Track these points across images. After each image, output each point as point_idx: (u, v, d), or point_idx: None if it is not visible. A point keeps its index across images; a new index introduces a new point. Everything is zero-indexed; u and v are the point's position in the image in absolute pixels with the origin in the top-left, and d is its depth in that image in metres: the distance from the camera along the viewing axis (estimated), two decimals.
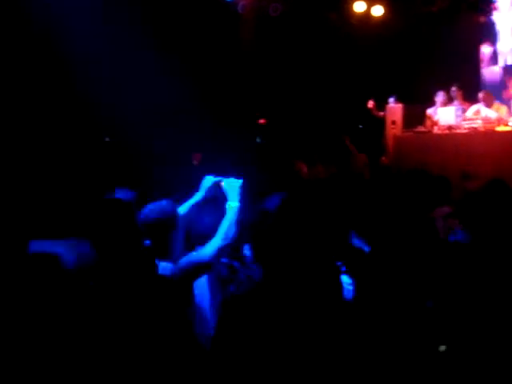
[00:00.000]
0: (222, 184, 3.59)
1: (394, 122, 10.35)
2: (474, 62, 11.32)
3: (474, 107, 9.14)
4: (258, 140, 12.77)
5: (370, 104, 11.10)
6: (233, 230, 3.30)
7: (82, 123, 10.14)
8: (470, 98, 9.71)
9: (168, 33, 11.20)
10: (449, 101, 9.85)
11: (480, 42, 11.34)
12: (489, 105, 9.09)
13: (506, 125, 8.53)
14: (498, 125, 8.59)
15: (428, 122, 9.90)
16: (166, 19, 11.11)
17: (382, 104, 10.84)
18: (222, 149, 10.45)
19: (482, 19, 11.28)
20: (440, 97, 9.87)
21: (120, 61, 10.35)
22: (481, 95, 9.26)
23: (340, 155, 9.82)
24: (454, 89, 9.75)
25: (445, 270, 3.26)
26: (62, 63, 9.84)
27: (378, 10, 12.23)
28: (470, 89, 10.13)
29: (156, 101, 10.76)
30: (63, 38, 9.52)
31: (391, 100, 10.68)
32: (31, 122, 9.50)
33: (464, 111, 9.19)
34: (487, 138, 8.42)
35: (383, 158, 10.01)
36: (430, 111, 9.99)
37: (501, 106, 9.09)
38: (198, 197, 3.95)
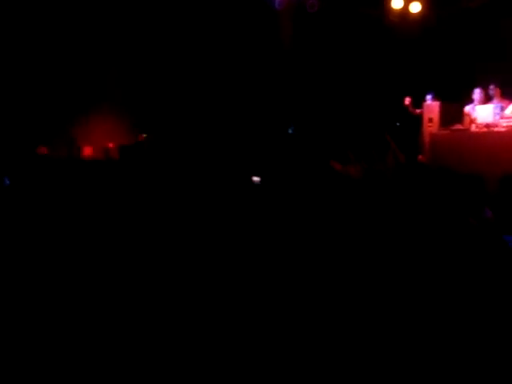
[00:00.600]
0: None
1: (430, 120, 10.29)
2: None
3: None
4: (290, 131, 12.84)
5: (407, 101, 11.05)
6: None
7: None
8: (509, 95, 9.61)
9: (207, 32, 11.37)
10: (487, 99, 9.77)
11: None
12: None
13: None
14: None
15: (466, 120, 9.84)
16: (204, 19, 11.26)
17: (419, 101, 10.78)
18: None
19: None
20: (477, 94, 9.80)
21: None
22: None
23: (375, 153, 9.81)
24: (492, 87, 9.67)
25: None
26: None
27: (415, 7, 12.18)
28: (510, 86, 10.03)
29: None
30: None
31: (428, 97, 10.61)
32: None
33: (503, 109, 9.10)
34: None
35: (420, 156, 9.97)
36: (467, 109, 9.92)
37: None
38: None
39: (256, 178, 7.96)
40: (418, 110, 10.86)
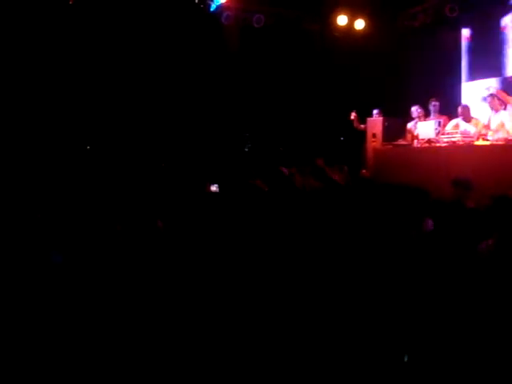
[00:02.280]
0: None
1: (374, 135, 10.42)
2: (454, 75, 11.46)
3: (454, 121, 9.24)
4: (246, 148, 12.86)
5: (352, 116, 11.17)
6: None
7: None
8: (448, 111, 9.82)
9: (153, 45, 11.28)
10: (426, 115, 9.96)
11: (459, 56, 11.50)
12: (467, 119, 9.20)
13: (485, 139, 8.64)
14: (477, 139, 8.69)
15: (408, 136, 10.01)
16: (148, 34, 11.18)
17: (365, 117, 10.90)
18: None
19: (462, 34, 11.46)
20: (415, 112, 10.01)
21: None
22: (460, 110, 9.37)
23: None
24: (433, 102, 9.85)
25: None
26: None
27: (360, 24, 12.35)
28: (450, 103, 10.27)
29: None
30: None
31: (375, 112, 10.74)
32: None
33: (440, 124, 9.27)
34: (466, 151, 8.52)
35: (363, 171, 10.07)
36: (410, 125, 10.10)
37: (479, 122, 9.21)
38: None
39: (214, 187, 7.97)
40: (362, 126, 10.99)
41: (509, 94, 8.76)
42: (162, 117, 11.62)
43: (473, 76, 11.30)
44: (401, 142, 9.88)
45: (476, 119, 9.24)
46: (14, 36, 10.09)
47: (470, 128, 8.96)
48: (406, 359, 2.83)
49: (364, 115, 10.93)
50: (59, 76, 10.64)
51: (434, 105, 9.85)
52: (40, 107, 10.45)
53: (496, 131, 8.69)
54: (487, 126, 8.95)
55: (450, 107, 9.92)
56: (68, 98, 10.85)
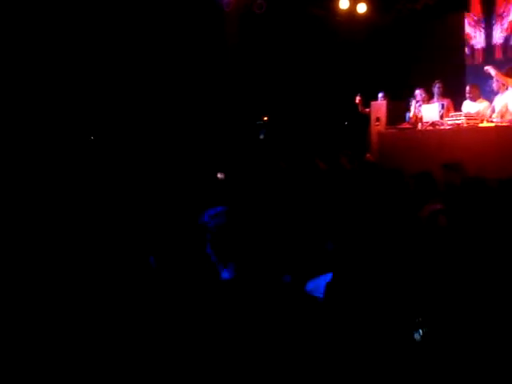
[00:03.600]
0: None
1: (378, 119, 10.38)
2: (459, 57, 11.40)
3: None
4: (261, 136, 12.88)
5: (357, 99, 11.11)
6: None
7: None
8: (453, 93, 9.78)
9: (156, 33, 11.24)
10: (429, 97, 9.91)
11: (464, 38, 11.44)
12: (475, 99, 9.16)
13: (490, 121, 8.61)
14: (482, 121, 8.65)
15: (412, 119, 9.96)
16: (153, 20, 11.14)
17: (370, 101, 10.84)
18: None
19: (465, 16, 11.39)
20: (419, 96, 9.95)
21: None
22: (468, 89, 9.33)
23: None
24: (437, 84, 9.79)
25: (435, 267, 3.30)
26: None
27: (362, 8, 12.28)
28: (455, 84, 10.22)
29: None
30: None
31: (380, 96, 10.69)
32: None
33: (443, 107, 9.23)
34: (471, 134, 8.49)
35: (368, 155, 10.05)
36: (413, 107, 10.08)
37: (483, 101, 9.17)
38: None
39: (220, 175, 8.01)
40: (367, 109, 10.94)
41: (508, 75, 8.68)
42: (171, 108, 11.60)
43: None
44: (405, 125, 9.85)
45: (483, 99, 9.20)
46: (15, 32, 10.08)
47: (472, 108, 8.95)
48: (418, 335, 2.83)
49: (369, 99, 10.87)
50: (63, 70, 10.64)
51: (438, 87, 9.79)
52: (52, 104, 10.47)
53: (500, 112, 8.65)
54: (493, 108, 8.91)
55: (455, 89, 9.88)
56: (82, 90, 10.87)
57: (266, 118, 12.96)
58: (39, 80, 10.31)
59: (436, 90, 9.79)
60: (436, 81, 9.85)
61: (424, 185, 4.89)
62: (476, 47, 11.66)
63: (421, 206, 4.47)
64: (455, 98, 9.53)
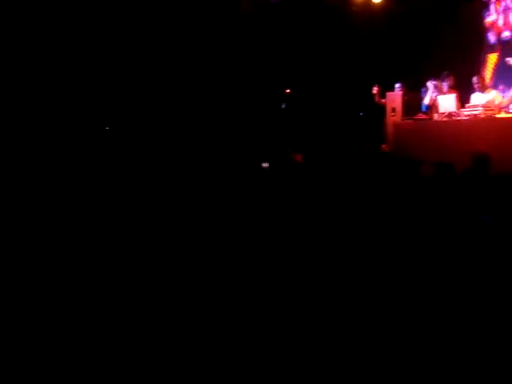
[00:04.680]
0: None
1: (394, 110, 10.32)
2: (476, 48, 11.28)
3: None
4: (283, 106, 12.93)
5: (374, 90, 11.04)
6: None
7: None
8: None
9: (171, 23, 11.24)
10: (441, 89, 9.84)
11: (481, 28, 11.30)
12: (483, 89, 9.11)
13: (508, 112, 8.54)
14: (499, 112, 8.59)
15: (428, 110, 9.91)
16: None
17: (388, 91, 10.77)
18: None
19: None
20: (432, 86, 9.89)
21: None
22: (475, 79, 9.26)
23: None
24: (448, 77, 9.73)
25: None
26: None
27: None
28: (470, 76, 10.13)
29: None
30: None
31: (397, 86, 10.62)
32: None
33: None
34: (488, 124, 8.42)
35: (384, 146, 10.00)
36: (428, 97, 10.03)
37: (491, 90, 9.11)
38: None
39: (265, 164, 8.07)
40: (383, 100, 10.86)
41: None
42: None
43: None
44: (421, 115, 9.80)
45: (491, 88, 9.14)
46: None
47: (482, 99, 8.90)
48: None
49: (387, 90, 10.80)
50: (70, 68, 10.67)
51: (447, 79, 9.73)
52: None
53: None
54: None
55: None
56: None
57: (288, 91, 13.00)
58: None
59: (445, 82, 9.73)
60: (445, 73, 9.78)
61: (444, 175, 4.85)
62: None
63: (440, 196, 4.45)
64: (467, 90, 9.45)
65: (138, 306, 3.15)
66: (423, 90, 10.21)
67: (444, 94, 9.56)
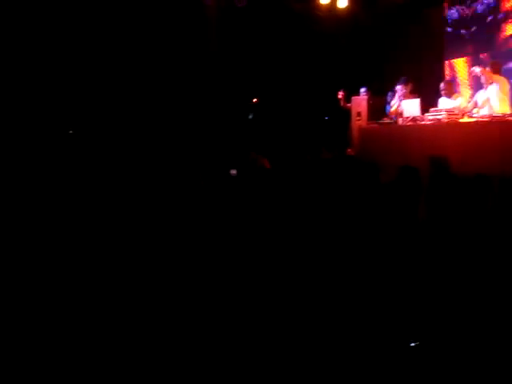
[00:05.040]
0: None
1: (359, 114, 10.38)
2: (437, 53, 11.43)
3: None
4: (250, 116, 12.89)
5: (340, 95, 11.09)
6: None
7: None
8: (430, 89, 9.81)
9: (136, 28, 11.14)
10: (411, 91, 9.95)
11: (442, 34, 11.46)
12: (449, 95, 9.22)
13: (470, 116, 8.64)
14: (462, 116, 8.68)
15: (392, 114, 10.00)
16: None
17: (353, 96, 10.82)
18: None
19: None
20: (400, 91, 9.97)
21: None
22: (442, 85, 9.36)
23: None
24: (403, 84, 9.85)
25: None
26: None
27: (342, 2, 12.22)
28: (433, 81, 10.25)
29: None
30: None
31: (362, 91, 10.70)
32: None
33: None
34: (451, 129, 8.50)
35: (349, 150, 10.04)
36: (393, 102, 10.10)
37: (462, 97, 9.22)
38: None
39: (233, 171, 8.00)
40: (348, 105, 10.93)
41: (494, 71, 8.72)
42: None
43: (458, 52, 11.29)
44: (386, 120, 9.87)
45: (459, 94, 9.25)
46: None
47: (450, 104, 9.00)
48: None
49: (353, 94, 10.86)
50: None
51: (406, 85, 9.86)
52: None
53: (482, 107, 8.69)
54: (475, 103, 8.94)
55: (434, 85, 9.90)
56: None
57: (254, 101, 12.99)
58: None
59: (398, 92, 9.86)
60: (403, 78, 9.90)
61: (408, 178, 4.87)
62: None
63: (403, 199, 4.46)
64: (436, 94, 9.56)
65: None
66: (390, 94, 10.29)
67: (406, 98, 9.65)
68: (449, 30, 11.46)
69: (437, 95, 9.46)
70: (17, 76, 10.11)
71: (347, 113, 10.85)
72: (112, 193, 6.17)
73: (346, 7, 12.23)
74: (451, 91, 9.31)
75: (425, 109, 9.03)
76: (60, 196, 6.02)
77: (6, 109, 9.87)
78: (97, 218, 5.14)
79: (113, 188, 6.46)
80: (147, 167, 8.33)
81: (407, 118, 9.27)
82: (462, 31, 11.23)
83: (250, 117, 12.88)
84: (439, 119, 8.73)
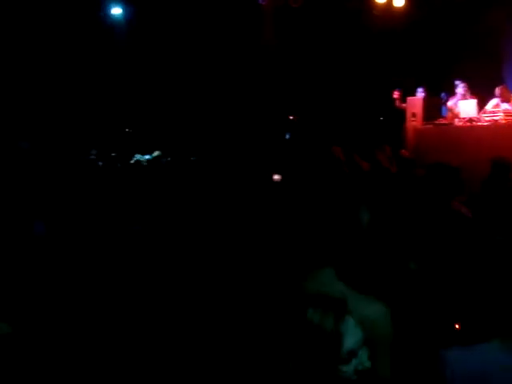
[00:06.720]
0: None
1: (414, 114, 10.28)
2: (496, 54, 11.20)
3: (494, 101, 9.06)
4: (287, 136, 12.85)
5: (396, 94, 10.98)
6: None
7: None
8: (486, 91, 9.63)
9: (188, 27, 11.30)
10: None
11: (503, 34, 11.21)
12: (506, 99, 9.03)
13: None
14: None
15: (449, 115, 9.86)
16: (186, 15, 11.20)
17: (410, 96, 10.71)
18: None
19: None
20: (461, 89, 9.80)
21: None
22: (497, 90, 9.18)
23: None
24: (461, 85, 9.68)
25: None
26: None
27: (399, 1, 12.13)
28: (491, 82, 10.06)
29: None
30: None
31: (419, 91, 10.56)
32: None
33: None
34: (509, 130, 8.37)
35: (403, 151, 9.96)
36: (450, 104, 9.94)
37: None
38: None
39: (277, 176, 7.94)
40: (404, 105, 10.81)
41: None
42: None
43: None
44: (441, 121, 9.76)
45: None
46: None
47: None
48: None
49: (409, 94, 10.74)
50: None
51: (461, 87, 9.68)
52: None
53: None
54: None
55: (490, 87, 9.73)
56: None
57: (292, 117, 12.95)
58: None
59: (460, 90, 9.67)
60: (457, 81, 9.72)
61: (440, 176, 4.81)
62: None
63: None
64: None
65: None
66: (446, 93, 10.13)
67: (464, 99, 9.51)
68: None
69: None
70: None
71: (402, 113, 10.75)
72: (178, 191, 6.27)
73: (403, 6, 12.14)
74: (507, 96, 9.10)
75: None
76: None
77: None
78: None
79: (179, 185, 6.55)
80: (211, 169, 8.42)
81: (463, 118, 9.17)
82: None
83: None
84: (496, 120, 8.61)
